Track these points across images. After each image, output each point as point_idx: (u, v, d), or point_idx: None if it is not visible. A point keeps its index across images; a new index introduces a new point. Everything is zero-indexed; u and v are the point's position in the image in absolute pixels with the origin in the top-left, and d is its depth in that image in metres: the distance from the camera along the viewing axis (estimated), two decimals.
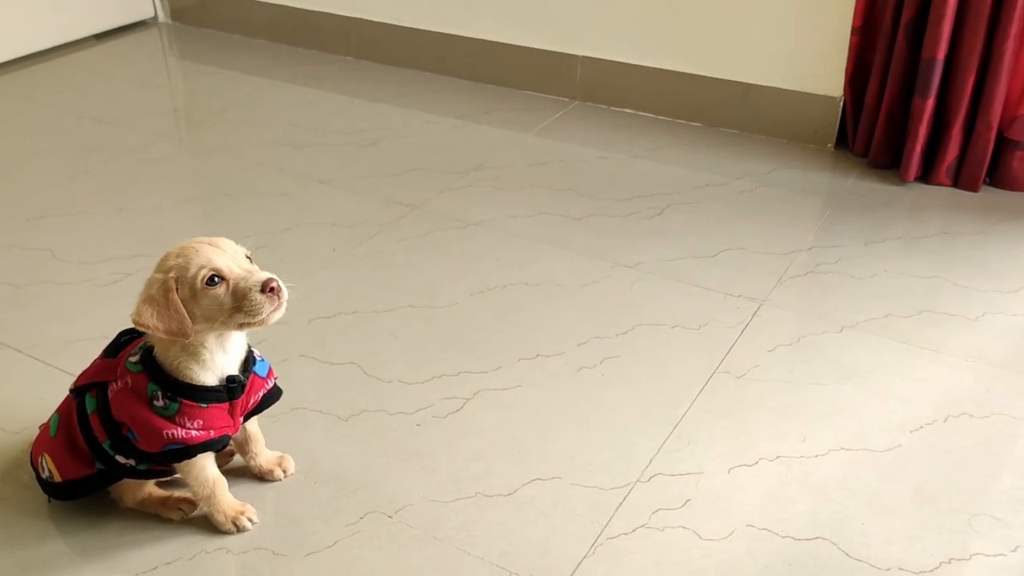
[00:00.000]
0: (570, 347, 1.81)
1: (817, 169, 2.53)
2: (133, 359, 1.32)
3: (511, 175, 2.51)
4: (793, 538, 1.39)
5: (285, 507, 1.45)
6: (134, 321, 1.23)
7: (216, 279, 1.24)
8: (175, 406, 1.28)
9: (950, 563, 1.34)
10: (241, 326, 1.28)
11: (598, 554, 1.36)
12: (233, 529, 1.38)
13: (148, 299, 1.24)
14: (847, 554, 1.35)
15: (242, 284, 1.25)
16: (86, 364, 1.40)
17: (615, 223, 2.27)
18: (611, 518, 1.42)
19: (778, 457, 1.54)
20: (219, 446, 1.35)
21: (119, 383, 1.31)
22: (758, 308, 1.93)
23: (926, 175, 2.42)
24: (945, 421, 1.61)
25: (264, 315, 1.26)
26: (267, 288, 1.25)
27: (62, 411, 1.39)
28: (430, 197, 2.39)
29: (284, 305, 1.27)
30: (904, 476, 1.49)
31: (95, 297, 1.97)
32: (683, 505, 1.45)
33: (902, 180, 2.41)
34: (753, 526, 1.41)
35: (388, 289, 2.01)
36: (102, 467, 1.34)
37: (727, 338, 1.84)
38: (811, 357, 1.78)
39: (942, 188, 2.41)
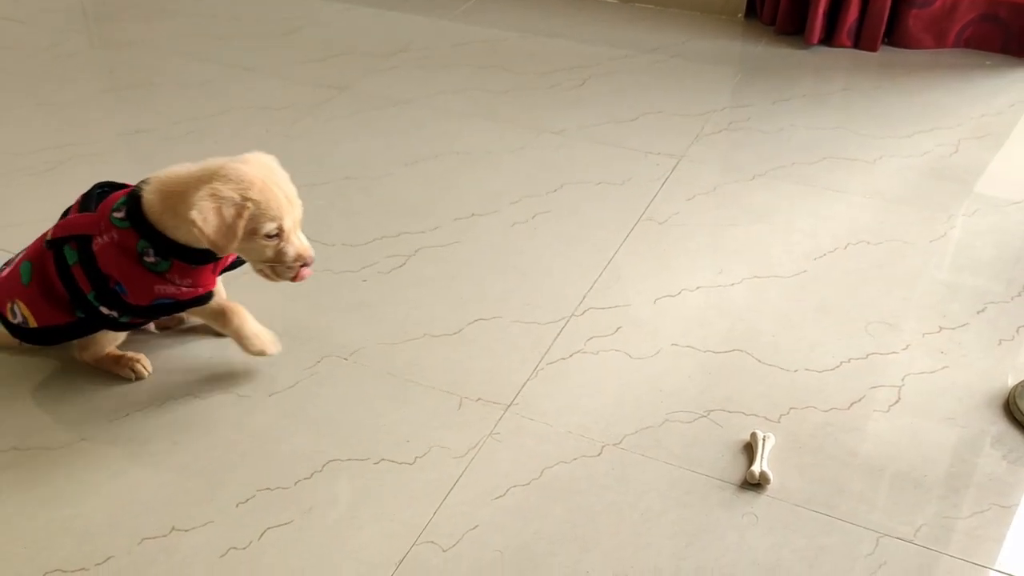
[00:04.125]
0: (503, 206, 1.92)
1: (728, 38, 2.65)
2: (118, 215, 1.33)
3: (435, 56, 2.56)
4: (713, 352, 1.54)
5: (244, 358, 1.53)
6: (194, 218, 1.24)
7: (275, 235, 1.30)
8: (166, 264, 1.33)
9: (849, 362, 1.51)
10: (259, 271, 1.35)
11: (539, 377, 1.49)
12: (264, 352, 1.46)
13: (218, 212, 1.25)
14: (760, 361, 1.52)
15: (290, 253, 1.32)
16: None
17: (538, 95, 2.35)
18: (550, 347, 1.55)
19: (698, 288, 1.69)
20: (206, 301, 1.41)
21: (104, 237, 1.33)
22: (677, 163, 2.05)
23: (829, 38, 2.56)
24: (845, 248, 1.78)
25: (282, 281, 1.35)
26: (302, 267, 1.34)
27: (34, 260, 1.40)
28: (357, 79, 2.43)
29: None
30: (808, 295, 1.66)
31: (32, 184, 1.99)
32: (614, 332, 1.58)
33: (807, 44, 2.55)
34: (677, 345, 1.56)
35: (322, 164, 2.07)
36: (83, 316, 1.38)
37: (649, 190, 1.96)
38: (726, 203, 1.92)
39: (844, 50, 2.55)
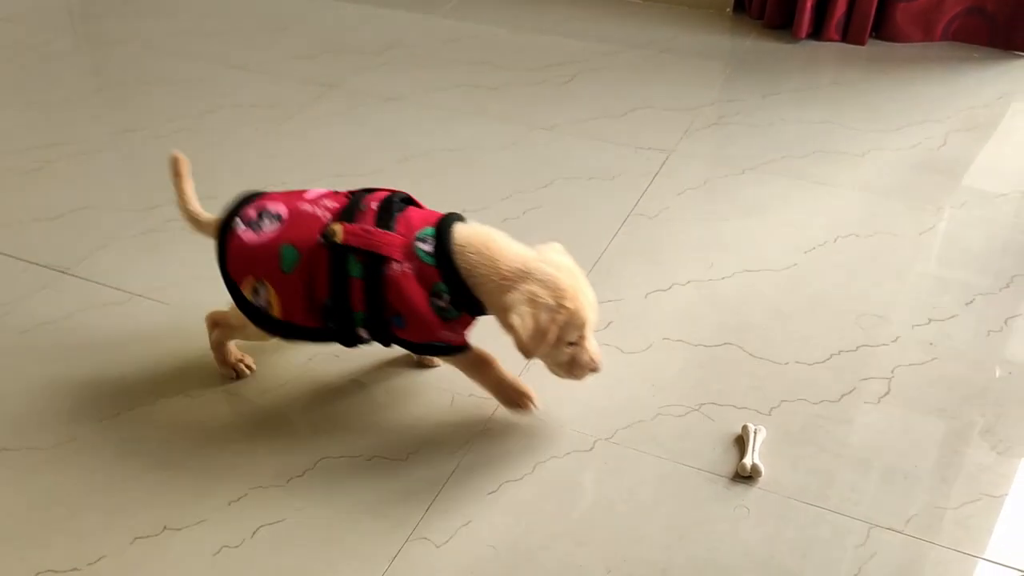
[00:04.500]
0: (494, 201, 1.92)
1: (717, 33, 2.65)
2: (426, 248, 1.26)
3: (425, 53, 2.56)
4: (704, 345, 1.55)
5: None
6: (514, 323, 1.22)
7: (575, 342, 1.28)
8: (456, 313, 1.29)
9: (839, 355, 1.52)
10: (553, 371, 1.33)
11: (530, 371, 1.49)
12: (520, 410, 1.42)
13: (535, 317, 1.23)
14: (751, 354, 1.52)
15: (584, 359, 1.29)
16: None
17: (529, 91, 2.35)
18: None
19: (689, 282, 1.69)
20: (466, 351, 1.38)
21: (404, 266, 1.25)
22: (667, 158, 2.06)
23: (817, 32, 2.56)
24: (835, 241, 1.78)
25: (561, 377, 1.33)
26: (588, 371, 1.31)
27: (303, 251, 1.27)
28: (347, 76, 2.43)
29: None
30: (799, 288, 1.67)
31: (20, 184, 1.98)
32: (606, 326, 1.59)
33: (795, 38, 2.55)
34: (668, 339, 1.56)
35: (314, 162, 2.06)
36: (334, 327, 1.30)
37: (639, 185, 1.97)
38: (716, 197, 1.93)
39: (832, 44, 2.56)
